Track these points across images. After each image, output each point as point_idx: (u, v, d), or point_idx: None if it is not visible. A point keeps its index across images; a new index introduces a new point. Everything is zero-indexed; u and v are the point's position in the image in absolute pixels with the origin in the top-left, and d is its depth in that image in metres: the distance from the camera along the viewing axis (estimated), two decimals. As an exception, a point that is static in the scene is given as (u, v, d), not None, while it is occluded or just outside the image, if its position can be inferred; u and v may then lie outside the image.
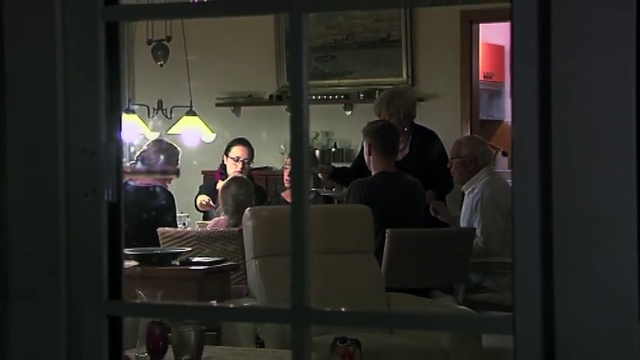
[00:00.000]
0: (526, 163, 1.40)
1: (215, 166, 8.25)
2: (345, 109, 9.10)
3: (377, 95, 8.19)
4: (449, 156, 7.48)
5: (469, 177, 7.24)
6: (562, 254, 1.37)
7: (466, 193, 7.33)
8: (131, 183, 7.32)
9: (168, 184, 7.52)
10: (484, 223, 7.03)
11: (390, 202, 6.60)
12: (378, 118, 7.45)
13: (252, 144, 8.43)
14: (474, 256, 6.80)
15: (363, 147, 7.30)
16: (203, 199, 7.74)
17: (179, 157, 7.65)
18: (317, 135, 9.10)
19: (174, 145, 7.77)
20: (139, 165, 7.45)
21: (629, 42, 1.35)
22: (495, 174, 7.56)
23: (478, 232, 6.95)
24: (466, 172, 7.25)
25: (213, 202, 7.77)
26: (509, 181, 7.46)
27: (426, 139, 7.49)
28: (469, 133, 8.62)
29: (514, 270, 1.41)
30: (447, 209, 7.32)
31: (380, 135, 6.88)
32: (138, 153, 7.69)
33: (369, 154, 6.85)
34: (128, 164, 7.67)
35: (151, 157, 7.49)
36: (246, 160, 7.97)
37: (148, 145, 7.65)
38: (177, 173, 7.62)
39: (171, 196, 7.39)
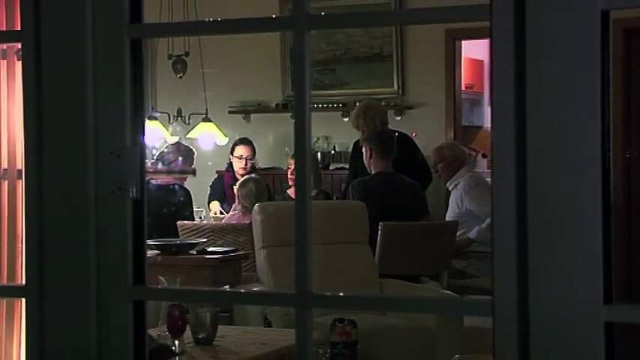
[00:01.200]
0: (503, 164, 1.41)
1: (216, 164, 8.26)
2: (343, 116, 9.09)
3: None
4: (432, 161, 7.57)
5: (452, 175, 7.34)
6: (535, 245, 1.37)
7: (450, 189, 7.42)
8: (153, 182, 7.34)
9: (184, 182, 7.54)
10: (480, 206, 7.10)
11: (386, 199, 6.61)
12: (358, 132, 7.57)
13: (260, 146, 8.45)
14: (481, 241, 6.89)
15: (354, 152, 7.39)
16: (216, 209, 7.72)
17: (194, 157, 7.68)
18: (318, 139, 9.11)
19: (190, 147, 7.81)
20: (159, 165, 7.48)
21: (595, 57, 1.35)
22: (474, 171, 7.69)
23: (480, 212, 7.03)
24: (451, 171, 7.37)
25: (222, 204, 7.78)
26: (488, 179, 7.52)
27: (402, 140, 7.53)
28: (453, 138, 8.64)
29: (493, 259, 1.41)
30: None
31: (379, 139, 6.94)
32: (157, 153, 7.73)
33: (370, 158, 6.88)
34: (149, 163, 7.70)
35: (170, 158, 7.54)
36: (249, 157, 7.98)
37: (167, 147, 7.69)
38: (193, 172, 7.63)
39: (189, 193, 7.40)
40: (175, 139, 8.54)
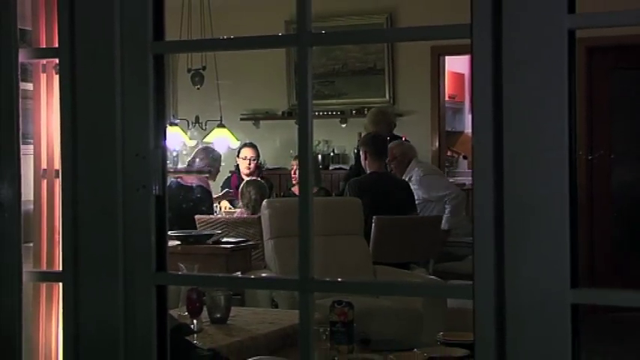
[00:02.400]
0: (482, 165, 1.40)
1: (227, 165, 8.27)
2: (341, 122, 9.11)
3: (366, 112, 8.24)
4: (387, 159, 7.59)
5: (404, 170, 7.38)
6: (511, 236, 1.37)
7: (405, 179, 7.40)
8: (178, 181, 7.38)
9: (210, 183, 7.56)
10: (430, 192, 7.16)
11: (378, 196, 6.62)
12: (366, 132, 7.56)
13: (267, 149, 8.47)
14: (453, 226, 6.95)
15: (358, 154, 7.40)
16: (225, 205, 7.71)
17: (221, 160, 7.73)
18: (319, 143, 9.12)
19: (217, 151, 7.85)
20: (195, 166, 7.56)
21: (562, 70, 1.35)
22: (421, 162, 7.70)
23: (435, 198, 7.11)
24: (402, 167, 7.40)
25: (232, 204, 7.78)
26: (466, 178, 7.54)
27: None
28: (437, 142, 8.66)
29: (474, 248, 1.40)
30: None
31: (373, 143, 6.95)
32: (190, 157, 7.77)
33: (365, 159, 6.90)
34: (186, 164, 7.79)
35: (199, 161, 7.60)
36: (252, 158, 7.96)
37: (197, 151, 7.74)
38: (209, 172, 7.63)
39: (207, 191, 7.39)
40: (193, 143, 8.55)
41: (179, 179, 7.42)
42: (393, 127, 7.67)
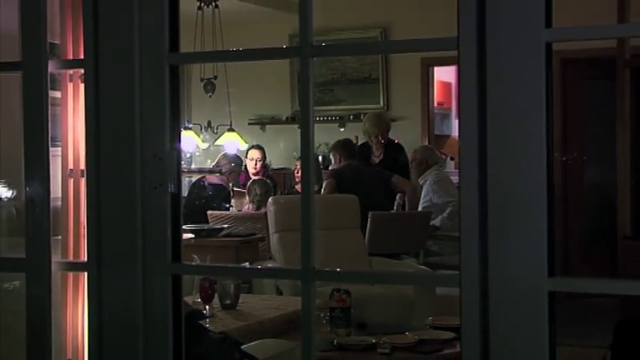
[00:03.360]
0: (468, 165, 1.40)
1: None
2: (340, 127, 9.11)
3: (362, 117, 8.25)
4: (409, 160, 7.65)
5: (422, 173, 7.44)
6: (494, 230, 1.37)
7: (421, 184, 7.47)
8: (203, 181, 7.42)
9: (229, 182, 7.56)
10: (440, 199, 7.19)
11: (353, 177, 6.68)
12: (364, 135, 7.61)
13: (273, 151, 8.47)
14: (443, 228, 6.94)
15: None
16: (247, 204, 7.71)
17: (242, 164, 7.77)
18: (320, 145, 9.11)
19: (239, 155, 7.87)
20: (222, 169, 7.63)
21: (541, 79, 1.35)
22: (441, 171, 7.77)
23: (441, 202, 7.07)
24: (420, 170, 7.48)
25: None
26: (453, 178, 7.56)
27: (395, 148, 7.57)
28: (427, 144, 8.66)
29: (460, 240, 1.40)
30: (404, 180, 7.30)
31: (343, 147, 7.08)
32: (216, 161, 7.84)
33: (339, 162, 7.00)
34: (211, 167, 7.85)
35: (223, 163, 7.63)
36: (258, 159, 7.97)
37: (222, 155, 7.77)
38: (219, 172, 7.64)
39: (223, 189, 7.39)
40: (206, 145, 8.57)
41: (204, 179, 7.49)
42: (389, 129, 7.69)
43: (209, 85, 8.67)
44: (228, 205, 7.27)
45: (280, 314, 4.39)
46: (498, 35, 1.36)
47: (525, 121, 1.35)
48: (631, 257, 5.41)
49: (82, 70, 1.77)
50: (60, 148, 2.36)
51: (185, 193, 7.32)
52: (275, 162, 9.01)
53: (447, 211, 7.08)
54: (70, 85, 2.26)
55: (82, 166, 2.08)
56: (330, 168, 7.30)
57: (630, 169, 5.69)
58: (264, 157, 8.07)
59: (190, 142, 8.02)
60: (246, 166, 8.05)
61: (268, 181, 7.47)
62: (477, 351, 1.39)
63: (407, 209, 6.95)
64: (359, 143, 7.81)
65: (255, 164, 7.91)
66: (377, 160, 7.35)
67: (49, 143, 1.75)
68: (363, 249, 6.14)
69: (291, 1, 8.37)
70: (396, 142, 7.76)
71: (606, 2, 5.49)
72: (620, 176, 5.63)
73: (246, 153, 8.09)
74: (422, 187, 7.47)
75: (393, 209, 6.87)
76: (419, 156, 7.56)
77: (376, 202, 6.60)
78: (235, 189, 7.69)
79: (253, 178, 7.53)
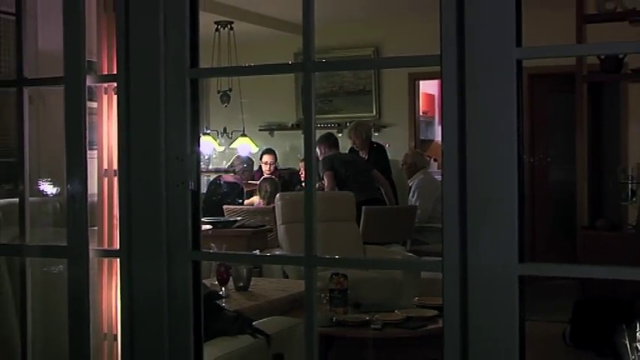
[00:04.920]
0: (450, 166, 1.39)
1: (256, 168, 8.27)
2: (338, 132, 9.04)
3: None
4: (401, 162, 7.66)
5: (412, 175, 7.43)
6: (472, 221, 1.36)
7: (410, 184, 7.47)
8: (219, 180, 7.42)
9: (243, 180, 7.55)
10: (422, 199, 7.19)
11: (342, 168, 6.69)
12: (349, 141, 7.67)
13: (280, 154, 8.45)
14: (418, 221, 6.90)
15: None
16: (253, 200, 7.71)
17: (253, 165, 7.77)
18: (320, 148, 9.14)
19: (251, 157, 7.87)
20: (236, 169, 7.61)
21: (512, 92, 1.34)
22: (428, 173, 7.71)
23: (418, 205, 7.10)
24: (410, 172, 7.47)
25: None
26: (437, 177, 7.55)
27: (377, 149, 7.58)
28: (414, 147, 8.65)
29: (443, 231, 1.40)
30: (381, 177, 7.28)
31: (326, 139, 7.14)
32: (230, 162, 7.84)
33: (324, 153, 7.01)
34: (226, 167, 7.86)
35: (237, 165, 7.63)
36: (271, 162, 8.00)
37: (236, 158, 7.76)
38: (233, 172, 7.64)
39: (236, 186, 7.39)
40: (222, 148, 8.57)
41: (220, 178, 7.49)
42: (370, 136, 7.72)
43: (225, 97, 8.67)
44: (241, 201, 7.27)
45: (286, 295, 4.39)
46: (475, 53, 1.36)
47: (499, 127, 1.35)
48: (588, 244, 5.43)
49: (115, 84, 1.77)
50: (96, 151, 2.35)
51: (204, 190, 7.32)
52: (282, 163, 9.01)
53: (418, 213, 7.08)
54: (105, 97, 2.25)
55: (115, 166, 2.07)
56: (319, 159, 7.30)
57: (587, 168, 5.71)
58: (275, 160, 8.12)
59: (208, 145, 8.02)
60: (260, 167, 8.07)
61: (277, 179, 7.48)
62: (457, 327, 1.38)
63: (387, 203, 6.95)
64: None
65: (269, 167, 7.96)
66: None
67: (87, 147, 1.75)
68: (358, 238, 6.14)
69: (296, 24, 8.35)
70: (375, 145, 7.77)
71: (565, 25, 5.49)
72: (579, 175, 5.65)
73: (261, 156, 8.12)
74: (410, 186, 7.47)
75: (378, 188, 6.89)
76: (409, 160, 7.57)
77: (365, 180, 6.66)
78: (250, 182, 7.70)
79: (264, 177, 7.55)
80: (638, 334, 1.90)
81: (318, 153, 7.02)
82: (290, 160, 9.12)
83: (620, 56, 5.56)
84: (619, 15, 5.44)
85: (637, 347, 1.89)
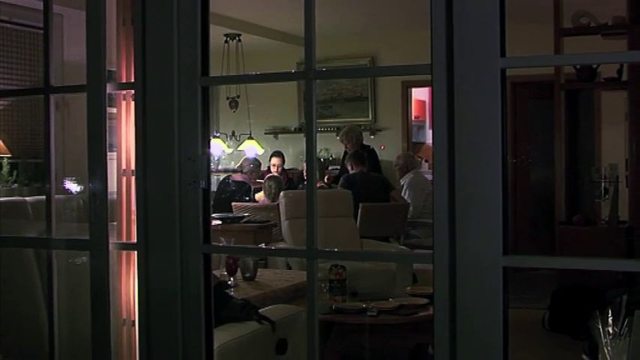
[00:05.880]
0: (440, 166, 1.39)
1: (264, 168, 8.26)
2: (337, 135, 9.09)
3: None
4: (394, 163, 7.67)
5: (404, 174, 7.44)
6: (460, 217, 1.36)
7: (402, 183, 7.47)
8: (230, 178, 7.40)
9: (251, 180, 7.54)
10: (413, 197, 7.19)
11: (360, 185, 6.65)
12: (343, 145, 7.63)
13: (283, 155, 8.45)
14: (410, 217, 6.90)
15: (342, 159, 7.44)
16: (261, 196, 7.71)
17: (260, 166, 7.76)
18: (321, 150, 9.11)
19: (258, 159, 7.86)
20: (244, 169, 7.55)
21: (497, 99, 1.34)
22: (419, 173, 7.71)
23: (411, 201, 7.10)
24: (402, 172, 7.48)
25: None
26: (427, 176, 7.55)
27: (369, 152, 7.59)
28: (407, 150, 8.65)
29: (433, 226, 1.39)
30: (398, 194, 7.31)
31: (354, 157, 7.01)
32: (239, 163, 7.78)
33: (352, 168, 6.93)
34: (235, 167, 7.84)
35: (246, 165, 7.62)
36: (279, 165, 8.00)
37: (245, 159, 7.75)
38: (241, 171, 7.63)
39: (244, 185, 7.38)
40: (230, 150, 8.56)
41: (231, 177, 7.48)
42: (362, 140, 7.71)
43: (233, 102, 8.67)
44: (248, 198, 7.26)
45: (290, 285, 4.38)
46: (463, 62, 1.35)
47: (485, 130, 1.34)
48: (565, 238, 5.43)
49: (133, 91, 1.76)
50: (115, 153, 2.34)
51: (214, 188, 7.31)
52: (286, 164, 9.01)
53: (410, 209, 7.07)
54: (124, 103, 2.24)
55: (133, 167, 2.06)
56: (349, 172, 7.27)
57: (564, 169, 5.72)
58: (283, 162, 8.12)
59: (218, 147, 8.02)
60: (269, 167, 8.07)
61: (280, 178, 7.48)
62: (446, 314, 1.38)
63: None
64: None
65: (277, 169, 7.97)
66: None
67: (107, 149, 1.75)
68: (355, 233, 6.13)
69: (298, 36, 8.35)
70: (382, 148, 7.77)
71: (544, 38, 5.49)
72: (557, 174, 5.67)
73: (270, 158, 8.12)
74: (402, 185, 7.49)
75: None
76: (401, 162, 7.60)
77: (381, 199, 6.66)
78: (258, 180, 7.70)
79: (268, 175, 7.54)
80: (609, 319, 1.90)
81: (349, 168, 7.01)
82: (294, 161, 9.12)
83: (594, 66, 5.58)
84: (592, 29, 5.47)
85: (608, 331, 1.89)
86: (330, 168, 9.09)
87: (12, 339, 2.60)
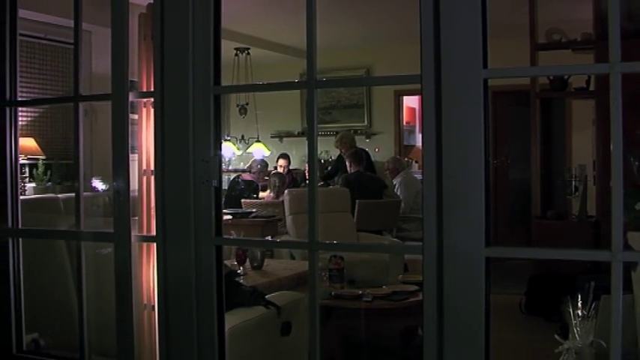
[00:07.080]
0: (428, 166, 1.39)
1: (270, 168, 8.26)
2: (335, 139, 9.13)
3: (352, 132, 8.26)
4: (384, 168, 7.67)
5: (395, 175, 7.44)
6: (447, 212, 1.36)
7: (394, 183, 7.47)
8: (240, 177, 7.39)
9: (260, 179, 7.52)
10: (404, 194, 7.19)
11: (357, 184, 6.63)
12: (337, 149, 7.59)
13: (289, 157, 8.44)
14: (402, 212, 6.88)
15: (335, 160, 7.44)
16: (268, 194, 7.68)
17: (267, 167, 7.75)
18: (321, 152, 9.10)
19: (265, 160, 7.85)
20: (252, 169, 7.50)
21: (480, 107, 1.33)
22: (409, 173, 7.72)
23: (402, 198, 7.09)
24: (393, 174, 7.50)
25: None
26: (416, 175, 7.55)
27: (365, 154, 7.58)
28: (399, 154, 8.66)
29: (423, 220, 1.39)
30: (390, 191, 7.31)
31: (353, 156, 6.96)
32: (249, 163, 7.73)
33: (350, 166, 6.90)
34: (244, 168, 7.81)
35: (254, 166, 7.61)
36: (285, 166, 7.98)
37: (253, 161, 7.74)
38: (249, 171, 7.62)
39: (252, 183, 7.37)
40: (240, 152, 8.56)
41: (240, 176, 7.47)
42: (355, 144, 7.70)
43: (242, 109, 8.67)
44: (256, 195, 7.25)
45: (293, 274, 4.37)
46: (450, 73, 1.35)
47: (469, 135, 1.34)
48: (540, 231, 5.44)
49: (153, 99, 1.76)
50: (137, 155, 2.34)
51: (225, 186, 7.30)
52: (291, 164, 9.01)
53: (402, 205, 7.06)
54: (144, 110, 2.24)
55: (152, 167, 2.06)
56: (329, 167, 7.19)
57: (539, 169, 5.73)
58: (289, 163, 8.11)
59: (228, 149, 8.02)
60: (276, 167, 8.06)
61: (284, 174, 7.47)
62: (434, 299, 1.38)
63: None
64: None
65: (284, 170, 7.95)
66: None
67: (129, 151, 1.74)
68: (352, 227, 6.12)
69: (301, 49, 8.33)
70: (377, 150, 7.76)
71: (520, 52, 5.49)
72: (533, 174, 5.67)
73: (277, 159, 8.11)
74: (395, 184, 7.50)
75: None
76: (391, 166, 7.66)
77: (371, 197, 6.63)
78: (265, 178, 7.69)
79: (272, 172, 7.51)
80: (579, 303, 1.91)
81: (348, 166, 6.98)
82: (297, 162, 9.11)
83: (565, 77, 5.60)
84: (564, 44, 5.51)
85: (578, 314, 1.90)
86: (329, 168, 9.10)
87: (46, 320, 2.61)
